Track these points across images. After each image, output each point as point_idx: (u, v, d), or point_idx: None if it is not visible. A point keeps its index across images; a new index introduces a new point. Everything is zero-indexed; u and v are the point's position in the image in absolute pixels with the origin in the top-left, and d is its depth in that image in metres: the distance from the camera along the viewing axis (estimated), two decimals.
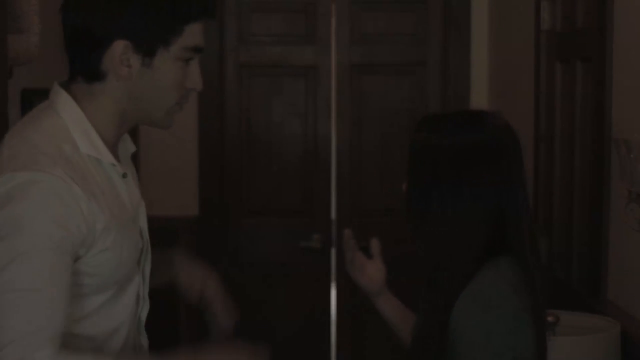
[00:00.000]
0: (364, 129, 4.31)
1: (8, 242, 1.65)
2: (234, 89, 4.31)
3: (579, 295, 2.93)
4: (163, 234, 2.38)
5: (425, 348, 1.85)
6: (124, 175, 1.87)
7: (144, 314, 1.97)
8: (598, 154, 2.78)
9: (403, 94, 4.31)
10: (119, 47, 1.79)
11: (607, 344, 2.45)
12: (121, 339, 1.88)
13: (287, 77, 4.32)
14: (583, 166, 3.01)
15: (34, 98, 3.05)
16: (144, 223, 1.94)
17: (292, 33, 4.30)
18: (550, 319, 2.51)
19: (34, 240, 1.66)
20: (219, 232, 4.30)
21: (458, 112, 2.00)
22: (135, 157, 2.06)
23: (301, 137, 4.32)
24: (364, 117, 4.32)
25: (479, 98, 4.24)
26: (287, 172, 4.33)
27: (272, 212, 4.35)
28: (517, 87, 3.78)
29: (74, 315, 1.76)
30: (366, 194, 4.26)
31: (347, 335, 4.35)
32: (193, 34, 1.85)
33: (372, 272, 2.23)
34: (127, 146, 1.98)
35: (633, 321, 2.55)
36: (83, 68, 1.84)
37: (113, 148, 1.88)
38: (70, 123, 1.80)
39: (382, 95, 4.31)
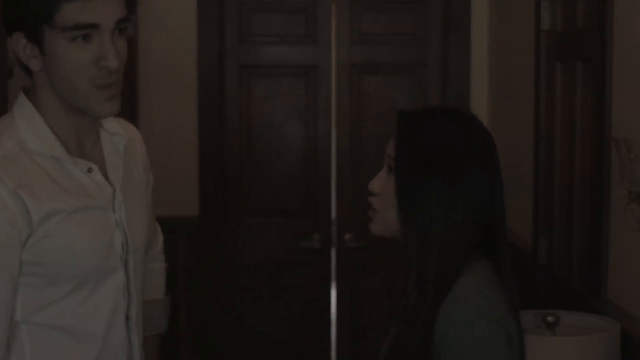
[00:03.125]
0: (364, 129, 4.31)
1: None
2: (234, 89, 4.31)
3: (579, 295, 2.93)
4: (163, 234, 2.38)
5: (410, 354, 1.79)
6: (89, 170, 1.87)
7: (132, 310, 1.94)
8: (598, 154, 2.78)
9: (403, 94, 4.31)
10: (18, 40, 1.81)
11: (607, 344, 2.45)
12: (108, 335, 1.89)
13: (287, 77, 4.32)
14: (583, 166, 3.01)
15: None
16: (122, 216, 1.92)
17: (292, 33, 4.30)
18: (550, 319, 2.51)
19: None
20: (219, 232, 4.30)
21: (440, 108, 1.93)
22: None
23: (301, 137, 4.32)
24: (364, 117, 4.32)
25: (479, 98, 4.24)
26: (287, 172, 4.33)
27: (272, 212, 4.35)
28: (517, 87, 3.78)
29: (31, 306, 1.81)
30: (366, 194, 4.25)
31: (347, 335, 4.35)
32: (70, 12, 1.75)
33: None
34: (116, 139, 1.97)
35: (633, 321, 2.55)
36: (19, 66, 1.86)
37: (76, 141, 1.88)
38: (22, 123, 1.83)
39: (382, 95, 4.31)
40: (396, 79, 4.32)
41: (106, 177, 1.91)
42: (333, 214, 4.32)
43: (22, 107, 1.86)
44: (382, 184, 1.90)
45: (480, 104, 4.23)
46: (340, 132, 4.32)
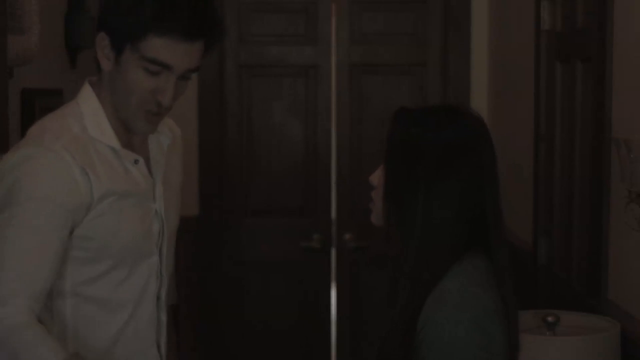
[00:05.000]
0: (364, 129, 4.31)
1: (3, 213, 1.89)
2: (234, 89, 4.31)
3: (579, 295, 2.93)
4: None
5: (392, 352, 1.80)
6: (135, 162, 2.03)
7: (163, 291, 2.12)
8: (598, 154, 2.78)
9: (403, 94, 4.31)
10: (102, 39, 1.96)
11: (607, 344, 2.45)
12: (139, 311, 2.07)
13: (287, 77, 4.32)
14: (583, 166, 3.01)
15: (34, 98, 3.04)
16: (161, 206, 2.09)
17: (292, 33, 4.30)
18: (550, 319, 2.51)
19: (23, 211, 1.87)
20: (219, 232, 4.30)
21: (436, 106, 1.95)
22: None
23: (301, 137, 4.32)
24: (364, 117, 4.32)
25: (479, 98, 4.24)
26: (287, 172, 4.33)
27: (272, 212, 4.35)
28: (517, 87, 3.78)
29: (78, 278, 1.98)
30: (366, 194, 4.25)
31: (347, 335, 4.35)
32: (153, 46, 1.92)
33: None
34: (162, 138, 2.14)
35: (633, 321, 2.55)
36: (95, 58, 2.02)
37: (129, 137, 2.05)
38: (85, 111, 2.00)
39: (382, 95, 4.31)
40: (396, 79, 4.32)
41: (149, 170, 2.08)
42: (333, 214, 4.32)
43: (87, 99, 2.02)
44: (379, 177, 1.94)
45: (480, 104, 4.22)
46: (340, 132, 4.32)
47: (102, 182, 1.95)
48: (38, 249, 1.89)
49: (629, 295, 2.62)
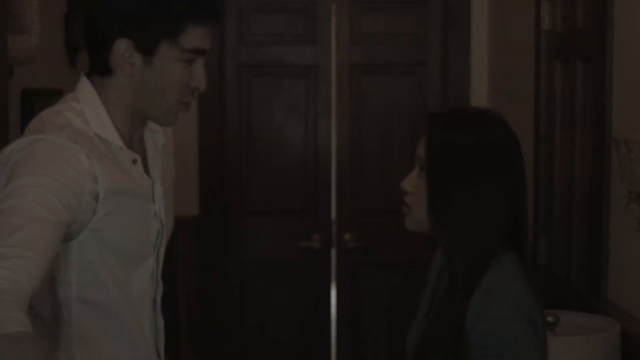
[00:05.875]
0: (364, 129, 4.31)
1: (9, 185, 1.78)
2: (234, 89, 4.31)
3: (579, 295, 2.94)
4: None
5: (438, 347, 1.86)
6: (134, 161, 1.99)
7: (158, 295, 2.09)
8: (598, 154, 2.79)
9: (403, 94, 4.31)
10: (122, 46, 1.91)
11: (607, 344, 2.45)
12: (137, 316, 2.03)
13: (287, 77, 4.32)
14: (583, 166, 3.01)
15: (34, 98, 3.05)
16: (160, 207, 2.08)
17: (292, 33, 4.30)
18: (550, 319, 2.52)
19: (29, 183, 1.78)
20: (219, 232, 4.30)
21: (462, 108, 2.00)
22: None
23: (301, 137, 4.32)
24: (364, 117, 4.32)
25: (479, 98, 4.24)
26: (287, 172, 4.33)
27: (272, 212, 4.35)
28: (517, 87, 3.78)
29: (84, 282, 1.94)
30: (366, 194, 4.27)
31: (347, 335, 4.35)
32: (194, 36, 1.93)
33: None
34: (156, 137, 2.12)
35: (633, 321, 2.55)
36: (94, 63, 1.97)
37: (129, 135, 2.01)
38: (86, 106, 1.95)
39: (382, 95, 4.31)
40: (396, 79, 4.32)
41: (147, 171, 2.06)
42: (333, 214, 4.32)
43: (87, 93, 1.97)
44: (413, 183, 1.97)
45: (480, 104, 4.22)
46: (340, 132, 4.32)
47: (107, 175, 1.89)
48: (37, 220, 1.76)
49: (629, 295, 2.62)
